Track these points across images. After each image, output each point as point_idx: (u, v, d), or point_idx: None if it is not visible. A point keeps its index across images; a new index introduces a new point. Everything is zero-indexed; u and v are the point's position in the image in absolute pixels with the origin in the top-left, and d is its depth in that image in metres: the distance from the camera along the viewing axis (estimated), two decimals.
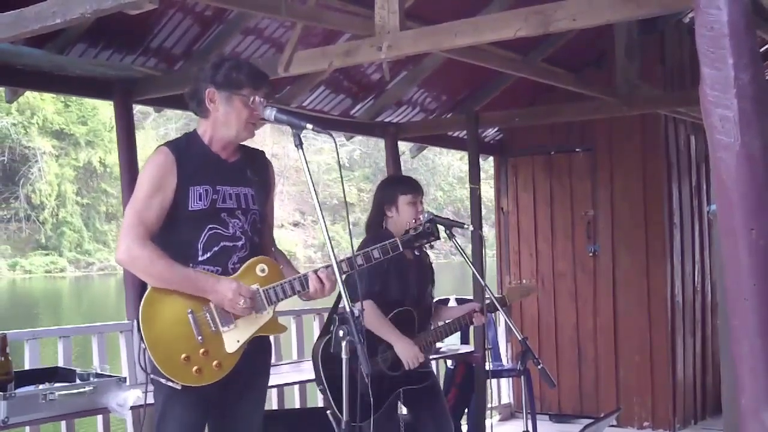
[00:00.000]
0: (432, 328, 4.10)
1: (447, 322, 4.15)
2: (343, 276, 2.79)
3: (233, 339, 2.89)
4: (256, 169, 3.09)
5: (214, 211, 2.93)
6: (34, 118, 34.61)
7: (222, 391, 2.94)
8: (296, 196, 39.83)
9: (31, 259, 35.78)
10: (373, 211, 4.10)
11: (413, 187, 4.08)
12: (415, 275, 4.06)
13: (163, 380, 2.86)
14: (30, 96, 32.85)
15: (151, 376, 2.90)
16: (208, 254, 2.92)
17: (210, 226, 2.93)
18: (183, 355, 2.82)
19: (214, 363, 2.86)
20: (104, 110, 32.56)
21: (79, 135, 36.20)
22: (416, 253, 3.88)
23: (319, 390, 3.79)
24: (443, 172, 41.91)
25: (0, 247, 35.82)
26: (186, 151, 2.97)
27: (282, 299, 2.95)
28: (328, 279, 2.90)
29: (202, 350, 2.84)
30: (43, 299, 28.20)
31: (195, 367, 2.83)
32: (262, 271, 2.95)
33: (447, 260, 32.45)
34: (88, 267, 36.94)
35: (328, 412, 3.71)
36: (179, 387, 2.84)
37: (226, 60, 3.02)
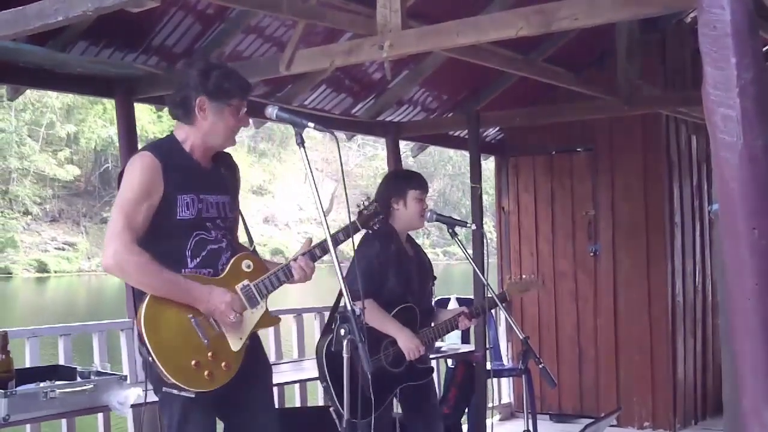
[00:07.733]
0: (432, 325, 4.11)
1: (439, 323, 4.14)
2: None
3: (236, 337, 2.94)
4: (227, 172, 3.13)
5: (200, 220, 2.96)
6: None
7: (230, 390, 2.94)
8: (351, 198, 41.13)
9: None
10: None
11: (422, 184, 4.13)
12: (416, 271, 4.06)
13: (175, 391, 2.85)
14: None
15: (164, 389, 2.88)
16: (198, 259, 2.95)
17: (196, 232, 2.95)
18: (193, 362, 2.83)
19: (223, 364, 2.88)
20: None
21: None
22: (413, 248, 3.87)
23: (323, 387, 3.80)
24: (488, 176, 42.47)
25: None
26: (170, 158, 2.95)
27: (272, 291, 3.03)
28: (307, 266, 3.03)
29: (210, 353, 2.86)
30: None
31: (206, 372, 2.84)
32: (248, 267, 3.02)
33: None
34: None
35: (331, 409, 3.72)
36: (193, 395, 2.84)
37: (215, 68, 3.00)
